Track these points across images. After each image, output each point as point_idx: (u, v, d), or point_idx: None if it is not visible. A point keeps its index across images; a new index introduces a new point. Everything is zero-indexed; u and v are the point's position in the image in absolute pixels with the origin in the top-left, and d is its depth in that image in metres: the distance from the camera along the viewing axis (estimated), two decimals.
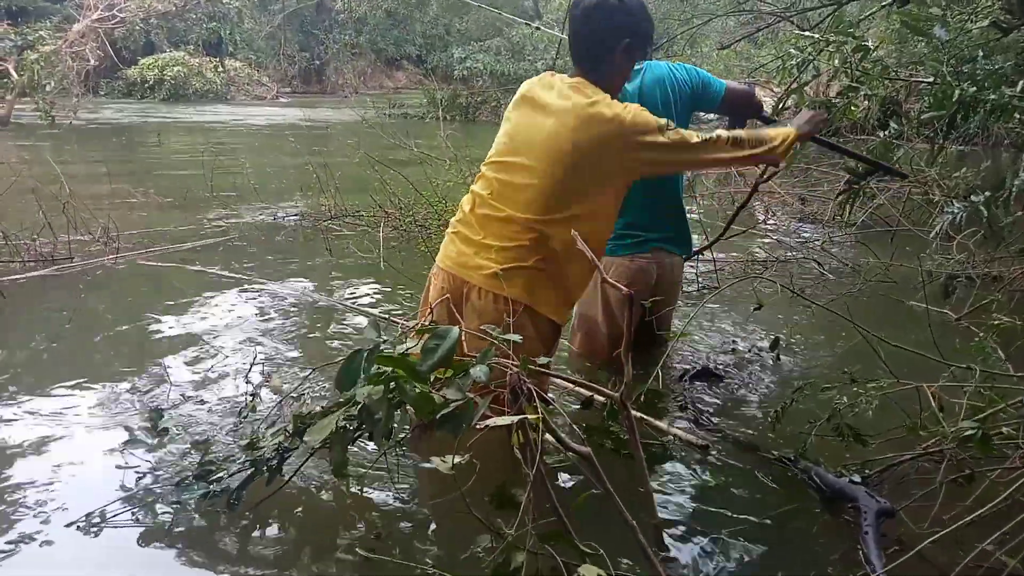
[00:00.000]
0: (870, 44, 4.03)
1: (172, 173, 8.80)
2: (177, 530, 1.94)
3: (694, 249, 3.20)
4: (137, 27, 17.64)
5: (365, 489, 2.14)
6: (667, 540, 1.94)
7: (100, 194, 6.67)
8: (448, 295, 2.14)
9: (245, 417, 2.29)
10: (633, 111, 2.08)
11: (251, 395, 2.38)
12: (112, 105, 18.18)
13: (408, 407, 1.59)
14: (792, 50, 4.52)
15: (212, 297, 4.06)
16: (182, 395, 2.79)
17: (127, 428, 2.37)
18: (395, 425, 1.57)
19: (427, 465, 2.13)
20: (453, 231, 2.24)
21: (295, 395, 2.40)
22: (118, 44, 18.79)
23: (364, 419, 1.60)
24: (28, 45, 14.04)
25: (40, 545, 1.92)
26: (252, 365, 2.93)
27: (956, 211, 2.70)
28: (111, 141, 12.18)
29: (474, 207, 2.19)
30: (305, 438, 1.79)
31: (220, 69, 21.58)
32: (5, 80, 13.66)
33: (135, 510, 2.01)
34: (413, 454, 2.28)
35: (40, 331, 3.49)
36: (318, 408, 1.89)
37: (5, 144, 11.23)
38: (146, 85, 20.91)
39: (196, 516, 1.98)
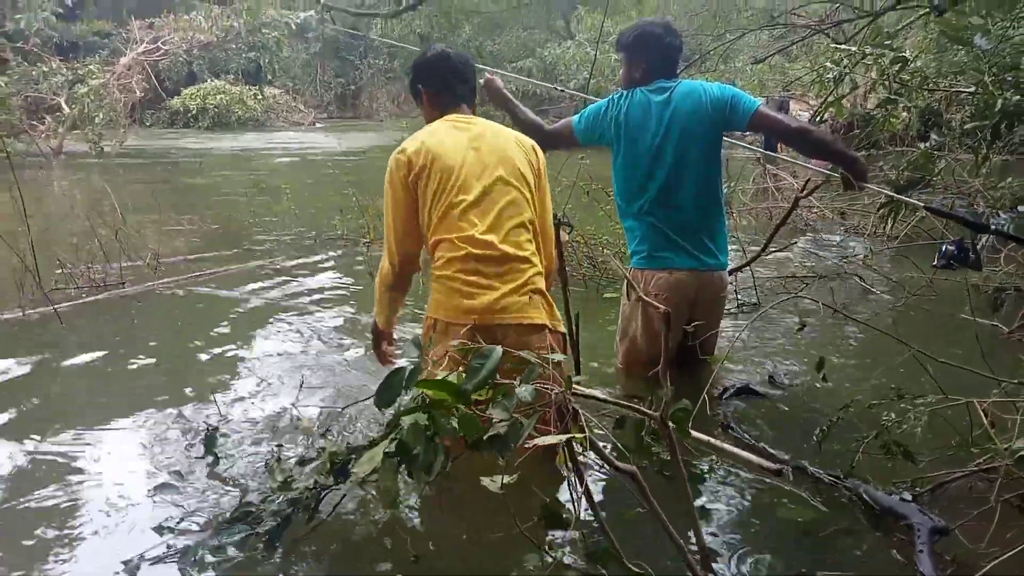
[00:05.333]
0: (908, 55, 3.99)
1: (215, 199, 9.03)
2: (216, 569, 1.93)
3: (735, 266, 3.16)
4: (180, 59, 18.21)
5: (403, 513, 2.16)
6: (713, 559, 1.92)
7: (147, 221, 6.88)
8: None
9: (273, 466, 2.20)
10: None
11: (277, 446, 2.38)
12: (157, 135, 18.76)
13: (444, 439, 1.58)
14: (828, 63, 4.50)
15: (255, 322, 4.15)
16: (225, 429, 2.75)
17: (170, 470, 2.42)
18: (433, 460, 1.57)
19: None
20: (457, 280, 2.16)
21: (323, 432, 2.40)
22: (162, 75, 19.40)
23: (402, 454, 1.60)
24: (78, 79, 14.57)
25: None
26: (294, 403, 2.90)
27: (1003, 222, 2.65)
28: (156, 170, 12.56)
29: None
30: (352, 469, 1.80)
31: (259, 97, 22.11)
32: (58, 114, 14.21)
33: (175, 555, 1.99)
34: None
35: (93, 359, 3.58)
36: (353, 444, 1.90)
37: (59, 174, 11.66)
38: (189, 114, 21.54)
39: (234, 552, 1.96)
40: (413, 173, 2.17)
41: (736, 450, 2.36)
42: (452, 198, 2.15)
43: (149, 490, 2.35)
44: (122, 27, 19.24)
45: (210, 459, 2.43)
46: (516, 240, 2.18)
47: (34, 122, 14.04)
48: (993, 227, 2.60)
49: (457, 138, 2.23)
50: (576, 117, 2.95)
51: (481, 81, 3.14)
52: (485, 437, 1.39)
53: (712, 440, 2.36)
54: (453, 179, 2.15)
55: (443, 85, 2.35)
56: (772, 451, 2.48)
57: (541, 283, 2.23)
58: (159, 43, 17.26)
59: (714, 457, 2.45)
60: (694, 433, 2.35)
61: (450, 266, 2.16)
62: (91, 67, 15.17)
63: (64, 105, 14.19)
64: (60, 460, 2.60)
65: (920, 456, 2.19)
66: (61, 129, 13.79)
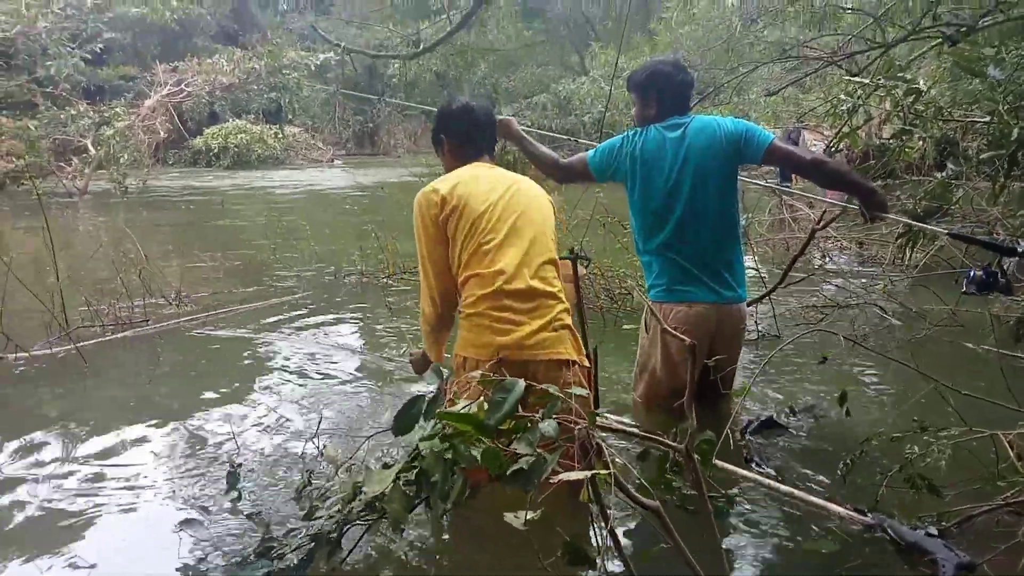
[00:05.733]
0: (922, 85, 4.02)
1: (237, 237, 9.18)
2: None
3: (753, 298, 3.16)
4: (203, 100, 18.68)
5: (424, 546, 2.15)
6: None
7: (170, 258, 7.02)
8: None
9: (302, 492, 2.22)
10: None
11: (308, 471, 2.37)
12: (179, 173, 19.15)
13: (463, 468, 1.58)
14: (842, 95, 4.54)
15: (276, 358, 4.19)
16: (249, 465, 2.80)
17: (194, 507, 2.43)
18: (451, 488, 1.57)
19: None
20: (489, 316, 2.18)
21: (350, 464, 2.41)
22: (185, 116, 19.88)
23: (420, 482, 1.60)
24: (105, 121, 15.00)
25: None
26: (315, 436, 2.92)
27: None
28: (179, 208, 12.80)
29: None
30: (363, 488, 1.81)
31: (280, 135, 22.59)
32: (84, 155, 14.59)
33: None
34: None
35: (116, 396, 3.64)
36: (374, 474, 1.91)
37: (84, 213, 11.91)
38: (211, 153, 22.02)
39: None
40: (444, 212, 2.22)
41: (811, 498, 2.31)
42: (481, 237, 2.19)
43: (174, 525, 2.37)
44: (147, 71, 19.79)
45: (233, 496, 2.44)
46: (544, 276, 2.23)
47: (61, 163, 14.44)
48: (1021, 250, 2.58)
49: (487, 182, 2.29)
50: (591, 152, 2.99)
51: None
52: (508, 473, 1.41)
53: (781, 486, 2.33)
54: (485, 220, 2.20)
55: (467, 138, 2.42)
56: (789, 481, 2.46)
57: (568, 319, 2.26)
58: (183, 85, 17.71)
59: (737, 490, 2.43)
60: (760, 478, 2.35)
61: (480, 303, 2.18)
62: (117, 110, 15.61)
63: (90, 146, 14.59)
64: (84, 496, 2.63)
65: (945, 489, 2.17)
66: (87, 170, 14.16)
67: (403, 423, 1.70)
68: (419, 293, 2.36)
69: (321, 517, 1.95)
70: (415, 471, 1.64)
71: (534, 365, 2.13)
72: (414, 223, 2.28)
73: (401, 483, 1.67)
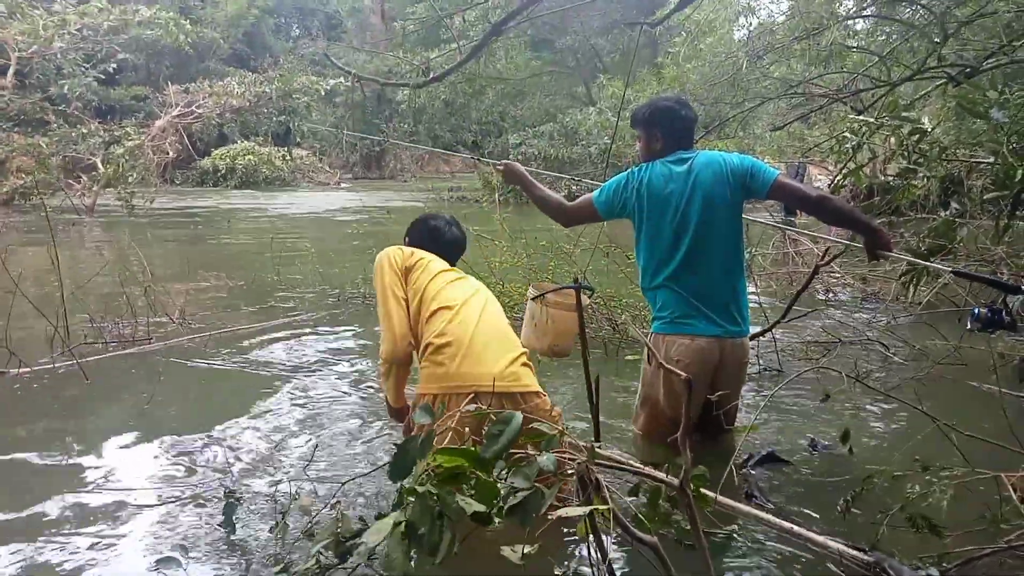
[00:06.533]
0: (927, 124, 4.05)
1: (241, 257, 9.21)
2: None
3: (756, 331, 3.15)
4: (213, 121, 18.87)
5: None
6: None
7: (175, 278, 7.03)
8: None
9: (279, 540, 2.23)
10: None
11: (281, 513, 2.32)
12: (186, 193, 19.29)
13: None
14: (847, 133, 4.57)
15: (274, 381, 4.19)
16: (237, 495, 2.65)
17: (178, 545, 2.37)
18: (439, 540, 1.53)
19: None
20: (455, 352, 2.34)
21: (333, 503, 2.36)
22: (194, 137, 20.07)
23: (409, 535, 1.56)
24: (115, 140, 15.16)
25: None
26: (307, 466, 2.87)
27: None
28: (185, 227, 12.87)
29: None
30: (364, 537, 1.76)
31: (288, 158, 22.81)
32: (93, 173, 14.73)
33: None
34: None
35: (114, 416, 3.61)
36: (354, 525, 1.90)
37: (91, 230, 11.98)
38: (218, 174, 22.22)
39: None
40: (410, 262, 2.55)
41: (811, 534, 2.27)
42: (445, 283, 2.49)
43: (151, 564, 2.29)
44: (159, 92, 20.05)
45: (227, 526, 2.37)
46: (506, 324, 2.53)
47: (70, 181, 14.57)
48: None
49: (442, 263, 2.66)
50: (596, 192, 3.00)
51: (500, 167, 3.36)
52: (506, 508, 1.39)
53: (781, 521, 2.30)
54: (445, 276, 2.56)
55: (427, 249, 2.72)
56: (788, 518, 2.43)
57: (526, 358, 2.47)
58: (193, 107, 17.91)
59: (735, 526, 2.41)
60: (759, 513, 2.32)
61: (450, 333, 2.34)
62: (127, 129, 15.78)
63: (100, 164, 14.73)
64: (66, 525, 2.57)
65: (947, 530, 2.14)
66: (95, 187, 14.27)
67: (398, 468, 1.67)
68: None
69: (297, 570, 1.90)
70: (402, 521, 1.59)
71: (511, 396, 2.27)
72: (375, 274, 2.55)
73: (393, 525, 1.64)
